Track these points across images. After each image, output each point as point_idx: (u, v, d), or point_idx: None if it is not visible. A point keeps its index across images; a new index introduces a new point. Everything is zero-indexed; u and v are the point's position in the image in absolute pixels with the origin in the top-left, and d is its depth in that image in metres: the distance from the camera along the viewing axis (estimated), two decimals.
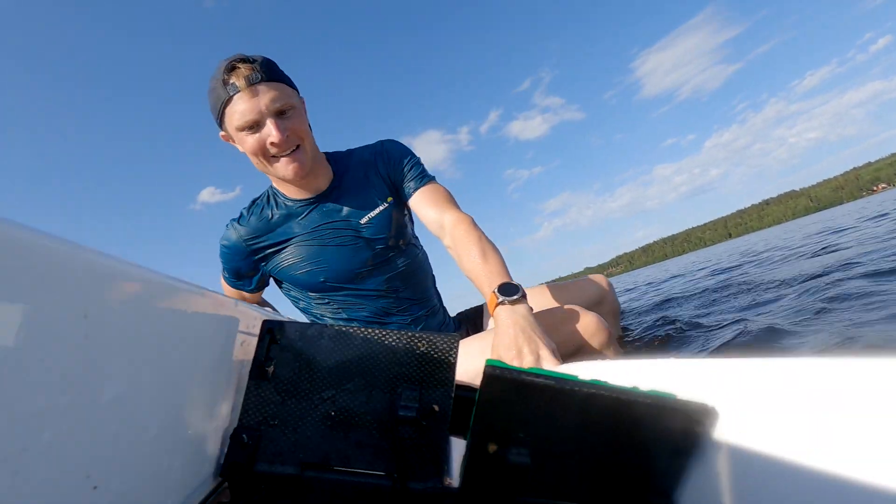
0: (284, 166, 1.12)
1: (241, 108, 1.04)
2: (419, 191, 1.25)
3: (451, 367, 0.51)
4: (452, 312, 1.56)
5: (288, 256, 1.22)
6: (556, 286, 1.43)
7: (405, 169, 1.28)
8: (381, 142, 1.34)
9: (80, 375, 0.27)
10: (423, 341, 0.52)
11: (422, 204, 1.23)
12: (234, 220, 1.26)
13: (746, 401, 0.45)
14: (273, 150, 1.09)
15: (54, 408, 0.25)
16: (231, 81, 1.03)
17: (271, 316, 0.56)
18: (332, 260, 1.21)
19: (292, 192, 1.23)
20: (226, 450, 0.48)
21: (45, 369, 0.24)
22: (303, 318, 1.39)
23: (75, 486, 0.27)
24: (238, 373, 0.53)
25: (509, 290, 0.90)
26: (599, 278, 1.45)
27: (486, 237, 1.10)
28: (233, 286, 1.32)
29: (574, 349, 1.01)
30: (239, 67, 1.04)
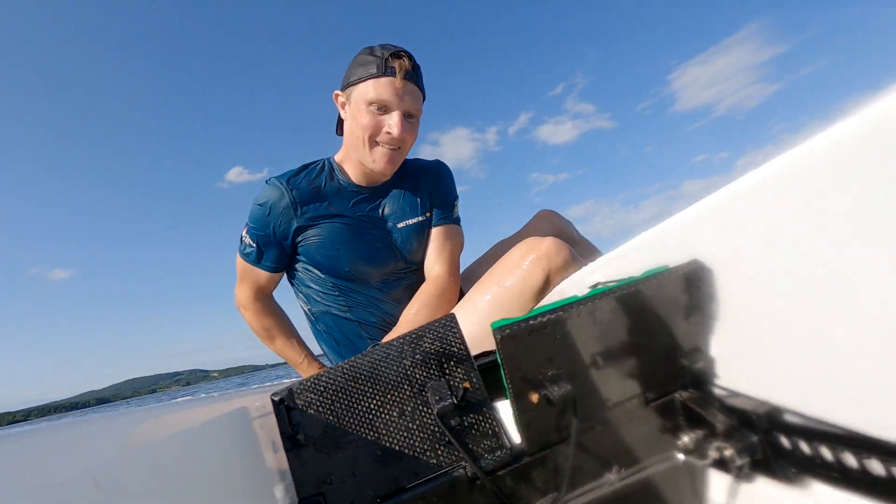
0: (381, 156, 1.17)
1: (385, 88, 1.11)
2: (441, 227, 1.33)
3: (461, 343, 0.52)
4: None
5: (323, 233, 1.21)
6: (508, 239, 1.42)
7: (445, 198, 1.35)
8: (439, 161, 1.41)
9: None
10: (425, 333, 0.52)
11: (434, 239, 1.31)
12: (277, 178, 1.21)
13: (727, 238, 0.48)
14: (384, 139, 1.15)
15: None
16: (391, 64, 1.11)
17: (274, 389, 0.55)
18: (362, 253, 1.22)
19: (354, 176, 1.26)
20: None
21: None
22: (302, 316, 1.37)
23: None
24: (273, 455, 0.51)
25: None
26: (544, 213, 1.42)
27: (437, 305, 1.20)
28: (246, 259, 1.24)
29: (544, 276, 0.99)
30: (403, 58, 1.12)
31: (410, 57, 1.14)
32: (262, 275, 1.25)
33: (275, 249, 1.22)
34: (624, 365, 0.51)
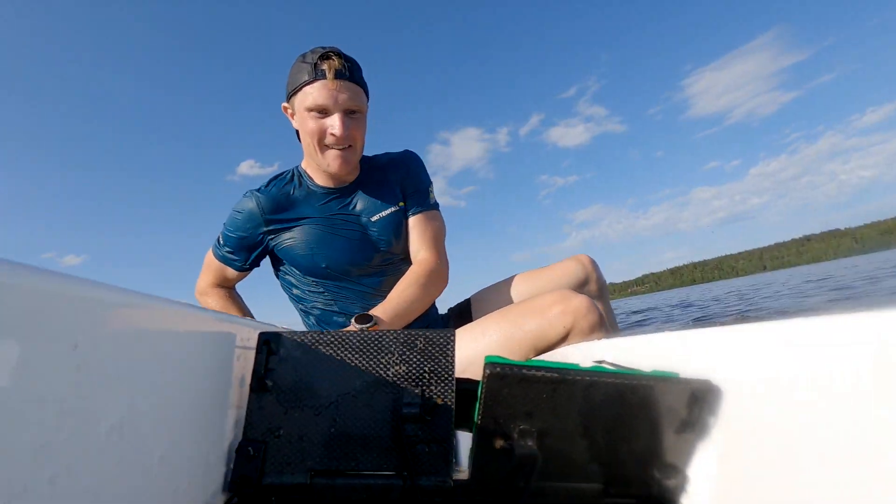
0: (333, 159, 1.20)
1: (319, 92, 1.13)
2: (418, 214, 1.34)
3: (451, 361, 0.52)
4: (443, 309, 1.56)
5: (297, 235, 1.25)
6: (537, 271, 1.42)
7: (417, 187, 1.37)
8: (406, 151, 1.44)
9: (76, 408, 0.27)
10: (420, 338, 0.52)
11: (413, 227, 1.33)
12: (253, 190, 1.29)
13: (746, 369, 0.45)
14: (330, 141, 1.18)
15: (52, 443, 0.25)
16: (321, 67, 1.13)
17: (267, 328, 0.56)
18: (337, 249, 1.25)
19: (319, 179, 1.30)
20: (233, 465, 0.48)
21: (39, 405, 0.24)
22: (293, 310, 1.40)
23: None
24: (239, 387, 0.52)
25: (362, 320, 1.02)
26: (582, 258, 1.42)
27: (426, 283, 1.23)
28: (221, 259, 1.31)
29: (564, 333, 0.99)
30: (332, 59, 1.13)
31: (340, 55, 1.15)
32: (228, 270, 1.32)
33: (244, 252, 1.29)
34: (598, 452, 0.49)
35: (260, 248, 1.29)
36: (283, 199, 1.27)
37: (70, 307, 0.27)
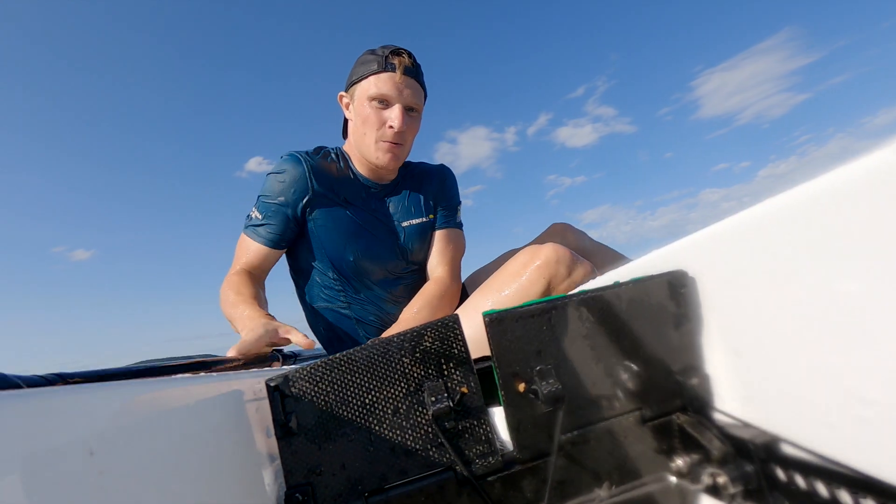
0: (384, 151, 1.20)
1: (386, 83, 1.15)
2: (444, 230, 1.36)
3: (462, 344, 0.52)
4: None
5: (332, 218, 1.21)
6: (511, 252, 1.42)
7: (449, 202, 1.40)
8: (443, 166, 1.45)
9: None
10: (427, 332, 0.52)
11: (437, 241, 1.35)
12: (296, 152, 1.22)
13: (715, 259, 0.49)
14: (387, 134, 1.18)
15: None
16: (392, 61, 1.15)
17: (271, 374, 0.55)
18: (368, 245, 1.24)
19: (361, 170, 1.28)
20: None
21: None
22: (300, 310, 1.35)
23: None
24: (265, 440, 0.51)
25: None
26: (556, 224, 1.39)
27: (439, 304, 1.22)
28: (253, 234, 1.18)
29: (546, 284, 0.97)
30: (403, 55, 1.17)
31: (410, 55, 1.19)
32: (259, 250, 1.20)
33: (280, 223, 1.19)
34: (617, 373, 0.51)
35: (296, 223, 1.20)
36: (329, 172, 1.22)
37: (76, 413, 0.25)
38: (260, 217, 1.20)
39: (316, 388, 0.50)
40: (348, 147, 1.30)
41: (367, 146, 1.20)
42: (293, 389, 0.50)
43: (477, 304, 1.09)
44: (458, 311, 1.13)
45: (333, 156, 1.27)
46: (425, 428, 0.50)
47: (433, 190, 1.36)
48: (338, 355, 0.52)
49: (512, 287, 1.01)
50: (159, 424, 0.33)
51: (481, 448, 0.50)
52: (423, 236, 1.32)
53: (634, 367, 0.51)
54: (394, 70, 1.15)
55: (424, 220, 1.32)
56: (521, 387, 0.49)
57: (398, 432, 0.50)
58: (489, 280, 1.10)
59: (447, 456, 0.49)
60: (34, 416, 0.23)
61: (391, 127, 1.16)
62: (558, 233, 1.38)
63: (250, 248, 1.21)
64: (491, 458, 0.49)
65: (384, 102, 1.17)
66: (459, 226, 1.40)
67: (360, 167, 1.28)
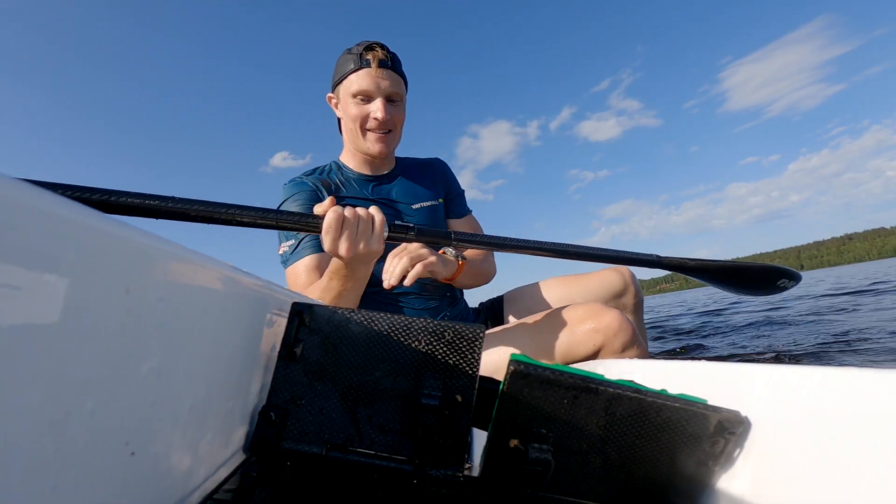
0: (374, 142, 1.30)
1: (364, 79, 1.23)
2: (469, 216, 1.52)
3: (476, 357, 0.51)
4: (473, 303, 1.56)
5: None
6: (573, 278, 1.43)
7: (458, 191, 1.52)
8: (438, 158, 1.56)
9: (121, 347, 0.28)
10: (449, 330, 0.52)
11: (465, 226, 1.48)
12: (294, 178, 1.33)
13: (778, 409, 0.43)
14: (372, 125, 1.28)
15: (97, 377, 0.26)
16: (366, 57, 1.23)
17: (300, 298, 0.57)
18: None
19: (358, 167, 1.39)
20: (255, 426, 0.49)
21: (90, 340, 0.25)
22: None
23: (115, 451, 0.28)
24: (267, 352, 0.54)
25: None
26: (621, 269, 1.42)
27: (485, 260, 1.40)
28: (295, 254, 1.19)
29: (594, 349, 0.99)
30: (376, 50, 1.24)
31: (383, 47, 1.25)
32: (310, 262, 1.19)
33: (311, 236, 1.20)
34: (612, 470, 0.48)
35: None
36: (333, 182, 1.34)
37: (127, 253, 0.28)
38: (292, 242, 1.22)
39: (332, 330, 0.52)
40: (344, 146, 1.40)
41: (358, 139, 1.30)
42: (313, 321, 0.52)
43: (517, 334, 1.08)
44: (493, 332, 1.13)
45: (328, 170, 1.38)
46: (409, 415, 0.50)
47: (438, 177, 1.47)
48: (365, 312, 0.53)
49: (562, 337, 1.01)
50: (189, 293, 0.36)
51: (449, 459, 0.49)
52: (434, 218, 1.40)
53: (634, 473, 0.48)
54: (369, 65, 1.22)
55: (435, 202, 1.42)
56: (513, 442, 0.47)
57: (383, 406, 0.50)
58: (541, 316, 1.08)
59: (416, 450, 0.49)
60: (93, 238, 0.26)
61: (376, 118, 1.25)
62: (621, 274, 1.38)
63: (302, 269, 1.19)
64: (454, 473, 0.49)
65: (366, 97, 1.25)
66: (471, 212, 1.55)
67: (357, 164, 1.38)
